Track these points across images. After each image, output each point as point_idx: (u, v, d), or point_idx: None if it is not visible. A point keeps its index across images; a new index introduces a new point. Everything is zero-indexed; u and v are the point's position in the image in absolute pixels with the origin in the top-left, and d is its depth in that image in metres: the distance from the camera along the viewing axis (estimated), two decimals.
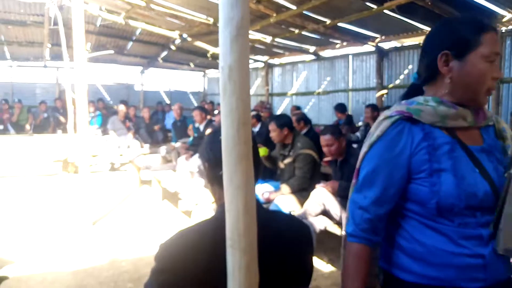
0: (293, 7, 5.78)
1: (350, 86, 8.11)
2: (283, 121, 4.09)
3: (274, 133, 4.09)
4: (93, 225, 4.95)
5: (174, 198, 6.13)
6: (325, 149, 3.61)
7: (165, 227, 4.98)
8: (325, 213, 3.49)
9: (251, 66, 11.68)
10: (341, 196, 3.46)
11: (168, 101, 13.49)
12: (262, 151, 4.28)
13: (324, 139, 3.57)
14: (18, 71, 12.16)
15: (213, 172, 1.28)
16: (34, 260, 3.82)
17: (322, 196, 3.47)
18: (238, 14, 1.05)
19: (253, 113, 6.91)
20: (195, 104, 14.23)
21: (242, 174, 1.06)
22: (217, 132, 1.29)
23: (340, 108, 7.38)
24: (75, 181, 7.20)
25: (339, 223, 3.50)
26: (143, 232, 4.79)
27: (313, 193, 3.50)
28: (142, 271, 3.72)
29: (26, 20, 8.70)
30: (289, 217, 1.51)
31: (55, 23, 8.13)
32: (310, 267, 1.39)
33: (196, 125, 6.86)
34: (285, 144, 4.13)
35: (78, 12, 4.82)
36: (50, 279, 3.51)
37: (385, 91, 7.22)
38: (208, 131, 6.47)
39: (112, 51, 10.69)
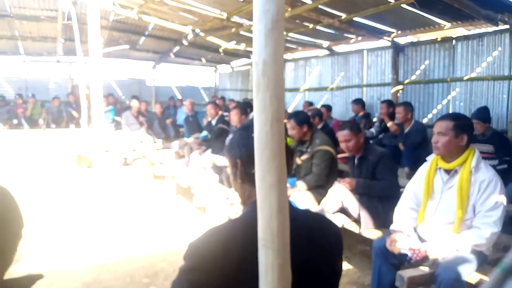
0: (309, 1, 5.71)
1: (365, 81, 8.01)
2: (302, 118, 4.04)
3: (293, 131, 4.03)
4: (108, 220, 4.96)
5: (188, 193, 6.13)
6: (342, 145, 3.56)
7: (180, 223, 4.98)
8: (343, 210, 3.45)
9: None
10: (359, 193, 3.41)
11: (179, 97, 13.50)
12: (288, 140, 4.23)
13: (342, 134, 3.51)
14: (31, 66, 12.26)
15: (245, 170, 1.26)
16: (50, 255, 3.82)
17: (340, 193, 3.42)
18: (274, 6, 1.01)
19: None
20: (206, 100, 14.23)
21: (276, 172, 1.03)
22: (247, 128, 1.28)
23: (360, 102, 7.31)
24: (89, 175, 7.24)
25: (356, 221, 3.45)
26: (157, 227, 4.79)
27: (331, 190, 3.45)
28: (158, 266, 3.73)
29: (40, 15, 8.74)
30: (319, 215, 1.51)
31: (69, 18, 8.18)
32: (340, 268, 1.37)
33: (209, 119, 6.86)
34: (302, 140, 4.08)
35: (93, 7, 4.81)
36: (67, 274, 3.52)
37: (400, 86, 7.11)
38: (220, 126, 6.45)
39: (127, 46, 10.73)
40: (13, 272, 1.12)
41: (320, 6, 5.71)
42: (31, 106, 10.86)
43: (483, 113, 4.88)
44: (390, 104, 6.70)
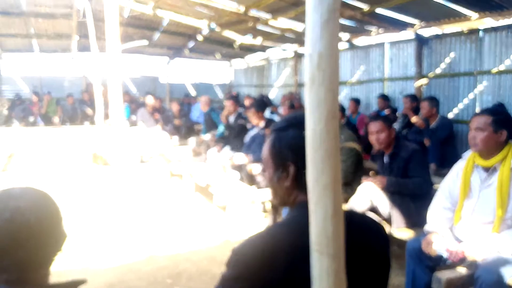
0: None
1: (386, 75, 7.80)
2: None
3: None
4: (127, 219, 4.88)
5: (206, 191, 6.03)
6: (373, 137, 3.43)
7: (200, 222, 4.88)
8: (372, 209, 3.30)
9: (279, 56, 11.46)
10: (390, 191, 3.27)
11: (193, 93, 13.44)
12: None
13: (374, 125, 3.40)
14: (46, 64, 12.31)
15: (299, 173, 1.13)
16: (72, 255, 3.75)
17: (370, 191, 3.28)
18: None
19: (287, 103, 6.74)
20: (220, 96, 14.14)
21: (331, 172, 0.96)
22: (298, 125, 1.10)
23: (386, 97, 7.20)
24: (105, 173, 7.19)
25: (386, 220, 3.30)
26: (178, 226, 4.70)
27: (360, 188, 3.31)
28: (181, 266, 3.65)
29: (55, 13, 8.71)
30: (363, 216, 1.41)
31: (84, 15, 8.13)
32: (389, 269, 1.27)
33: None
34: None
35: (111, 4, 4.71)
36: (91, 274, 3.45)
37: (424, 80, 6.89)
38: (240, 123, 6.33)
39: (146, 42, 10.69)
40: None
41: None
42: (46, 103, 10.90)
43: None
44: (413, 98, 6.51)
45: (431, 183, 3.38)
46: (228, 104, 6.57)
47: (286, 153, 1.15)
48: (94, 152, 7.90)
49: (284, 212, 3.65)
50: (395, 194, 3.27)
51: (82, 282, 1.21)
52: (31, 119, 10.40)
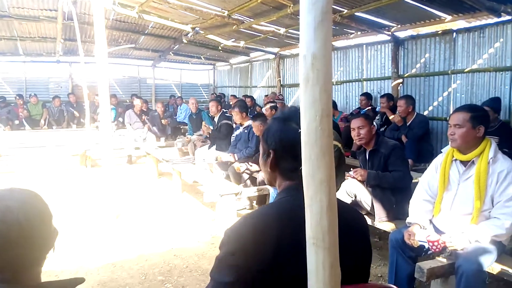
0: None
1: (365, 75, 8.06)
2: None
3: None
4: (116, 219, 5.00)
5: (194, 189, 6.18)
6: (354, 133, 3.54)
7: (189, 219, 5.02)
8: (355, 204, 3.49)
9: (262, 57, 11.64)
10: (371, 185, 3.42)
11: (179, 94, 13.52)
12: None
13: (356, 121, 3.53)
14: (31, 67, 12.22)
15: (276, 161, 1.26)
16: (64, 255, 3.84)
17: (353, 187, 3.46)
18: None
19: (271, 104, 6.92)
20: (206, 97, 14.25)
21: (326, 168, 1.02)
22: (286, 120, 1.26)
23: (368, 96, 7.42)
24: (94, 174, 7.26)
25: (369, 214, 3.49)
26: (167, 224, 4.83)
27: (344, 185, 3.48)
28: (171, 263, 3.75)
29: (39, 15, 8.71)
30: (341, 201, 1.42)
31: (69, 18, 8.17)
32: (371, 253, 1.36)
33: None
34: None
35: (98, 7, 4.81)
36: (83, 273, 3.53)
37: (400, 80, 7.16)
38: (225, 122, 6.49)
39: (132, 45, 10.73)
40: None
41: None
42: (33, 105, 10.84)
43: (496, 103, 4.94)
44: (390, 97, 6.78)
45: (411, 177, 3.50)
46: (212, 105, 6.72)
47: (271, 141, 1.27)
48: (82, 154, 7.96)
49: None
50: (377, 188, 3.41)
51: (80, 281, 1.21)
52: (16, 122, 10.35)
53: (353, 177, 3.51)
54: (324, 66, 1.05)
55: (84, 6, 8.22)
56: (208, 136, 7.04)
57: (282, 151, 1.23)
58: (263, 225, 1.17)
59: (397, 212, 3.34)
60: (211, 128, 6.79)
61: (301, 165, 1.03)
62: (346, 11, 6.14)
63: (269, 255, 1.12)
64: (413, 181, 3.55)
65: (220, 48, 10.73)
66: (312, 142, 1.06)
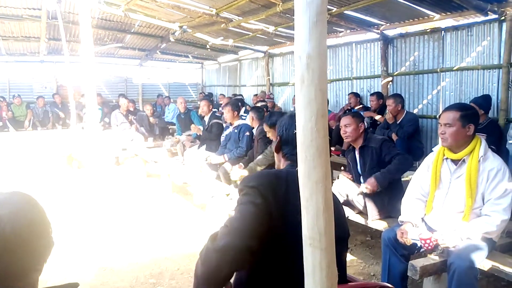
0: None
1: (354, 74, 8.05)
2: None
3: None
4: (105, 221, 4.90)
5: (183, 190, 6.11)
6: (342, 131, 3.57)
7: (179, 221, 4.95)
8: (347, 203, 3.47)
9: (251, 56, 11.59)
10: (385, 186, 3.33)
11: (166, 94, 13.40)
12: None
13: (344, 119, 3.57)
14: (14, 67, 11.99)
15: (280, 146, 1.63)
16: (52, 259, 3.75)
17: (345, 186, 3.44)
18: None
19: (261, 103, 6.87)
20: (194, 96, 14.15)
21: (321, 168, 1.01)
22: (293, 116, 1.42)
23: (358, 95, 7.46)
24: (81, 176, 7.14)
25: (361, 212, 3.47)
26: (157, 226, 4.76)
27: (335, 184, 3.46)
28: (162, 265, 3.70)
29: (22, 14, 8.53)
30: None
31: (53, 17, 8.02)
32: (349, 234, 1.61)
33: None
34: None
35: (84, 6, 4.70)
36: (72, 277, 3.46)
37: (390, 78, 7.17)
38: (216, 121, 6.43)
39: (119, 44, 10.60)
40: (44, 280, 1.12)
41: None
42: (17, 106, 10.64)
43: (484, 101, 4.96)
44: (379, 96, 6.80)
45: (410, 157, 3.51)
46: (203, 104, 6.64)
47: (280, 130, 1.63)
48: (68, 155, 7.82)
49: None
50: (386, 187, 3.34)
51: (75, 286, 1.17)
52: (0, 123, 10.14)
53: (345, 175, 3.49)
54: (319, 66, 1.04)
55: (68, 5, 8.07)
56: (198, 136, 6.96)
57: (286, 140, 1.60)
58: (275, 181, 1.41)
59: (390, 209, 3.34)
60: (201, 128, 6.72)
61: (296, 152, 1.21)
62: (335, 9, 6.12)
63: (277, 208, 1.33)
64: (404, 179, 3.55)
65: (208, 46, 10.65)
66: (308, 143, 1.05)
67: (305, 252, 1.03)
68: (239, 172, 4.83)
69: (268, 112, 5.88)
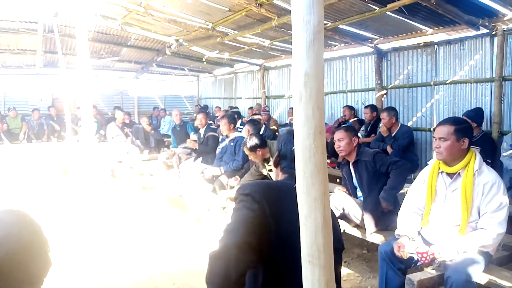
0: None
1: (349, 87, 8.12)
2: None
3: None
4: (100, 234, 4.86)
5: (179, 203, 6.08)
6: (335, 145, 3.59)
7: (175, 234, 4.92)
8: (344, 216, 3.47)
9: (246, 69, 11.66)
10: (394, 201, 3.35)
11: (162, 106, 13.41)
12: None
13: (337, 133, 3.59)
14: (10, 80, 11.97)
15: (279, 161, 1.70)
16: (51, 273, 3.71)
17: (342, 200, 3.44)
18: (315, 17, 1.02)
19: (257, 116, 6.90)
20: (190, 109, 14.17)
21: (320, 186, 1.02)
22: (291, 132, 1.48)
23: (352, 108, 7.55)
24: (76, 189, 7.09)
25: (358, 226, 3.47)
26: (153, 239, 4.73)
27: (332, 198, 3.46)
28: (158, 280, 3.68)
29: (19, 28, 8.55)
30: None
31: (50, 30, 8.05)
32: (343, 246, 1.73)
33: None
34: None
35: (81, 20, 4.74)
36: None
37: (384, 91, 7.24)
38: (212, 134, 6.44)
39: (116, 58, 10.63)
40: None
41: None
42: (12, 118, 10.60)
43: (476, 114, 5.01)
44: (373, 108, 6.87)
45: (406, 162, 3.55)
46: (199, 117, 6.66)
47: (279, 145, 1.73)
48: (63, 168, 7.78)
49: None
50: (368, 199, 3.40)
51: None
52: None
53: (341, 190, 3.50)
54: (316, 85, 1.05)
55: (65, 18, 8.10)
56: (194, 149, 6.96)
57: (284, 153, 1.67)
58: (268, 187, 1.50)
59: (387, 223, 3.33)
60: (197, 142, 6.72)
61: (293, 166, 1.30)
62: (330, 24, 6.20)
63: (272, 214, 1.37)
64: (400, 191, 3.55)
65: (204, 59, 10.71)
66: (306, 159, 1.06)
67: (304, 269, 1.03)
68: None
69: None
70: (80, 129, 9.12)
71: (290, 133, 1.48)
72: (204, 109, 9.68)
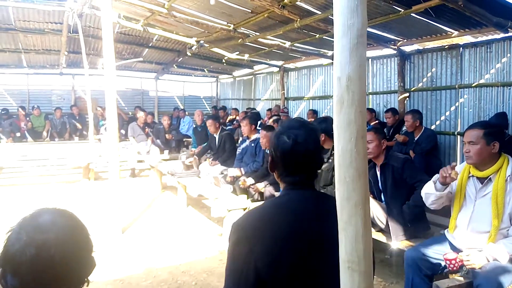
0: (318, 12, 5.73)
1: (370, 89, 8.03)
2: (320, 127, 4.02)
3: None
4: (122, 233, 4.92)
5: (199, 203, 6.11)
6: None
7: (196, 234, 4.95)
8: None
9: (265, 70, 11.66)
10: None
11: (181, 106, 13.52)
12: None
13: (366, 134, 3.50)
14: (34, 79, 12.24)
15: (273, 165, 1.50)
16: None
17: None
18: (359, 20, 1.01)
19: (274, 117, 6.88)
20: (208, 109, 14.25)
21: (361, 191, 1.00)
22: (278, 134, 1.46)
23: (373, 111, 7.48)
24: (97, 188, 7.21)
25: (382, 230, 3.42)
26: (174, 239, 4.76)
27: None
28: (180, 279, 3.70)
29: (44, 28, 8.74)
30: (323, 194, 1.65)
31: (74, 31, 8.19)
32: None
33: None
34: (323, 148, 4.05)
35: (107, 21, 4.82)
36: None
37: (407, 94, 7.14)
38: (224, 133, 6.46)
39: (141, 59, 10.77)
40: None
41: (330, 16, 5.73)
42: (36, 117, 10.82)
43: (502, 118, 4.89)
44: (394, 112, 6.77)
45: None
46: (209, 124, 6.67)
47: (270, 149, 1.50)
48: (85, 167, 7.90)
49: None
50: (391, 206, 3.33)
51: None
52: (18, 134, 10.30)
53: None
54: (359, 88, 1.04)
55: (89, 19, 8.24)
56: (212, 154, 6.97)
57: (276, 159, 1.46)
58: (263, 217, 1.36)
59: (413, 231, 3.27)
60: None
61: (290, 174, 1.42)
62: None
63: (270, 245, 1.27)
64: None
65: (224, 61, 10.74)
66: (347, 164, 1.04)
67: (343, 275, 1.01)
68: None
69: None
70: (101, 129, 9.27)
71: (277, 137, 1.43)
72: (213, 116, 9.66)
